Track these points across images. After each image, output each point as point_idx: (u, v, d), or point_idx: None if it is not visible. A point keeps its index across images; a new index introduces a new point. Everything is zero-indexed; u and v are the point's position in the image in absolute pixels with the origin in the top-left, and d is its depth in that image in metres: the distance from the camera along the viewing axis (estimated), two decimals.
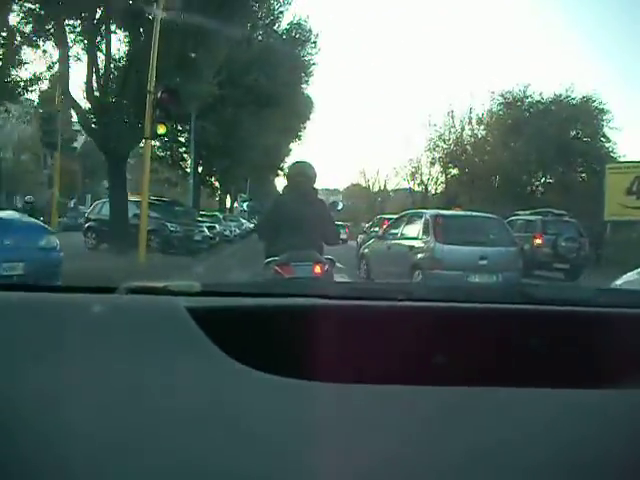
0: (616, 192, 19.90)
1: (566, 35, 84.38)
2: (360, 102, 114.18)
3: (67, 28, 13.13)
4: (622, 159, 26.47)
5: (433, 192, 36.84)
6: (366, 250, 10.52)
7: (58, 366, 0.72)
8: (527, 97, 31.81)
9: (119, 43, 14.81)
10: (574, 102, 30.23)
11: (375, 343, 0.84)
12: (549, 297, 1.06)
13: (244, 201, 28.18)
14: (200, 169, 26.98)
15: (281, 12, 24.34)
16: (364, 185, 50.82)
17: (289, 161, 33.24)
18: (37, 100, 19.03)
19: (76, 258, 10.91)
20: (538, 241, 13.62)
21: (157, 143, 25.03)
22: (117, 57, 14.58)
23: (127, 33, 13.81)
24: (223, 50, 14.79)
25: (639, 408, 0.75)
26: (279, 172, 38.80)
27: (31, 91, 13.93)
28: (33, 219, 7.42)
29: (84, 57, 13.93)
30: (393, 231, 9.75)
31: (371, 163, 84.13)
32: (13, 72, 13.11)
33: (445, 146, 34.30)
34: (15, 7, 12.26)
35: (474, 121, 33.82)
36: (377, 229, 13.96)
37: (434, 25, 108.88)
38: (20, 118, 22.30)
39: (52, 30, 12.44)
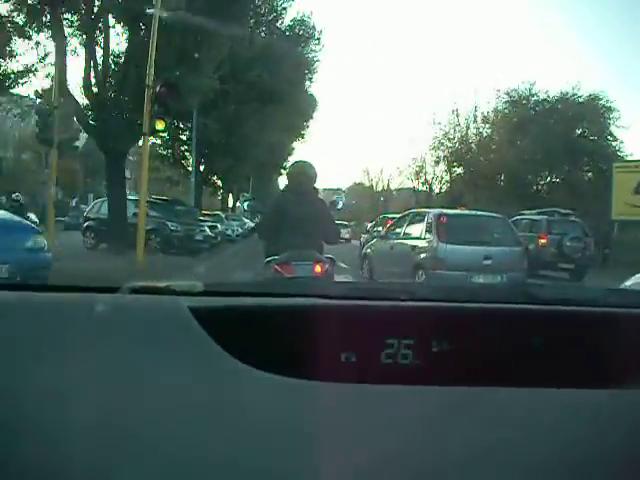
0: (623, 191, 19.67)
1: (573, 33, 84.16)
2: (364, 100, 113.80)
3: (64, 22, 12.92)
4: (629, 158, 26.14)
5: (437, 191, 36.74)
6: (369, 250, 10.41)
7: (61, 365, 0.72)
8: (533, 95, 31.56)
9: (118, 37, 14.48)
10: (580, 100, 29.90)
11: (376, 343, 0.86)
12: (553, 297, 1.06)
13: (246, 200, 28.12)
14: (202, 167, 26.72)
15: (284, 8, 24.28)
16: (367, 184, 50.84)
17: (292, 160, 33.09)
18: (35, 97, 18.82)
19: (73, 258, 10.75)
20: (543, 241, 13.65)
21: (158, 141, 24.89)
22: (116, 52, 14.36)
23: (126, 27, 13.55)
24: (225, 44, 14.59)
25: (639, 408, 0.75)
26: (282, 171, 38.67)
27: (22, 83, 13.73)
28: (19, 218, 7.01)
29: (81, 52, 13.74)
30: (396, 230, 9.62)
31: (375, 162, 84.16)
32: (3, 63, 12.95)
33: (450, 145, 34.08)
34: None
35: (479, 119, 33.61)
36: (380, 228, 13.79)
37: (439, 22, 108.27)
38: (19, 116, 22.05)
39: (48, 23, 12.23)
